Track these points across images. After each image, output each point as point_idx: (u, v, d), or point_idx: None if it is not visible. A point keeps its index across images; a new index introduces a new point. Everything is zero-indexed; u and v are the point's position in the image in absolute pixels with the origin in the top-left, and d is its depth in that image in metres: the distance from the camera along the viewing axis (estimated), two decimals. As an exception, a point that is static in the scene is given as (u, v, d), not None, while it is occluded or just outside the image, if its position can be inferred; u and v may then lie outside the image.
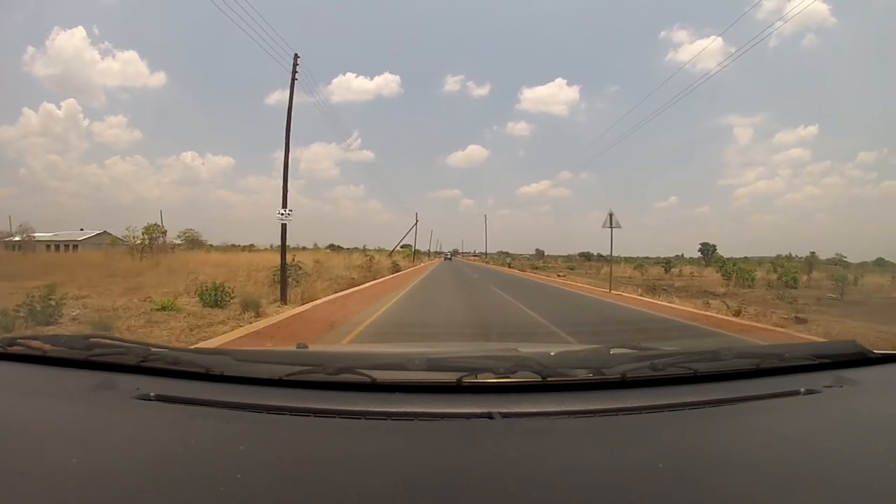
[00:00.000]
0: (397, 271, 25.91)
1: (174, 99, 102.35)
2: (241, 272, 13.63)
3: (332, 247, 46.79)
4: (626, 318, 9.30)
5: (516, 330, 7.22)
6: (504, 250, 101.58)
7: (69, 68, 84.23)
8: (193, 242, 29.62)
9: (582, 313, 10.32)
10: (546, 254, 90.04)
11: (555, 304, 11.86)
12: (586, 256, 76.23)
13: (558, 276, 28.90)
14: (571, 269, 39.60)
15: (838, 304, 14.12)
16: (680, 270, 33.06)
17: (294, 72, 11.33)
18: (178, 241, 29.46)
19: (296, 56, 11.51)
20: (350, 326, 7.11)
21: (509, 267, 45.99)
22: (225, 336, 5.66)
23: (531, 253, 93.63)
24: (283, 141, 11.15)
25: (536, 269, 41.72)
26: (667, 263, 34.91)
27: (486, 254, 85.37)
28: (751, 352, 1.50)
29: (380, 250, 46.41)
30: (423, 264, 47.79)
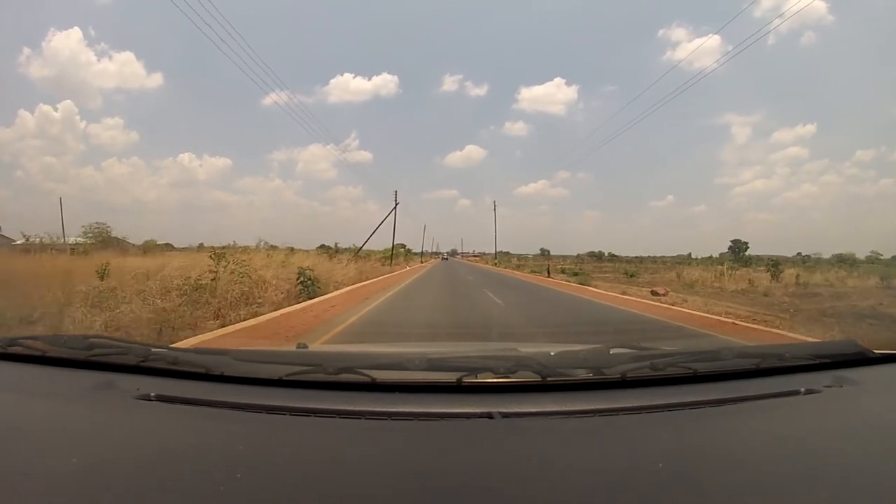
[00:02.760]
0: (307, 299, 9.80)
1: (171, 100, 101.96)
2: None
3: (322, 247, 37.73)
4: None
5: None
6: (504, 250, 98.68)
7: (65, 70, 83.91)
8: (105, 242, 20.38)
9: None
10: (549, 253, 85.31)
11: None
12: (597, 256, 72.26)
13: (653, 293, 14.28)
14: (632, 277, 26.46)
15: None
16: (798, 276, 21.00)
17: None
18: (83, 240, 21.48)
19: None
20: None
21: (545, 274, 29.00)
22: None
23: (534, 253, 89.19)
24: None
25: (576, 275, 27.02)
26: (774, 267, 22.44)
27: (495, 254, 67.32)
28: (751, 352, 1.49)
29: (347, 249, 34.41)
30: (406, 268, 34.66)
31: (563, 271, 31.53)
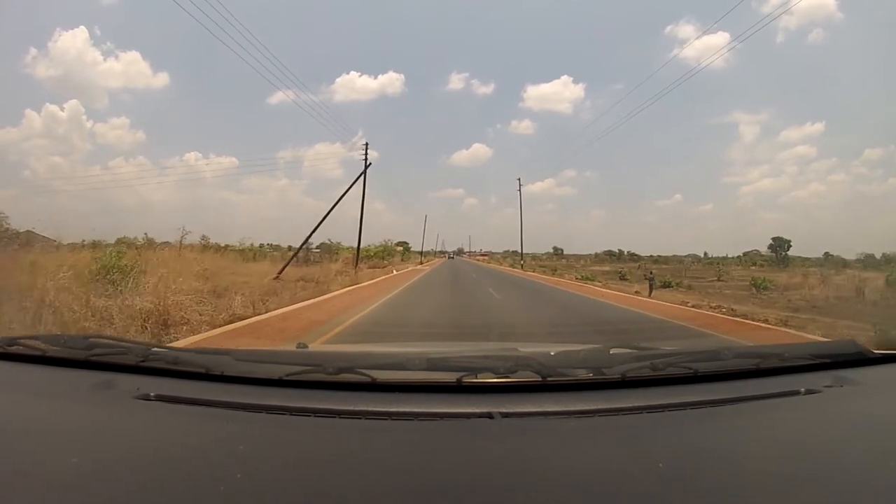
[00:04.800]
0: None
1: (177, 99, 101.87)
2: None
3: (321, 245, 30.27)
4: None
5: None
6: (512, 249, 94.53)
7: (71, 69, 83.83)
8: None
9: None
10: (563, 252, 79.58)
11: None
12: (616, 255, 67.46)
13: None
14: (763, 290, 17.82)
15: None
16: None
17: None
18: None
19: None
20: None
21: (645, 289, 16.35)
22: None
23: (543, 251, 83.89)
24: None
25: (668, 286, 18.95)
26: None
27: (521, 253, 47.41)
28: (751, 352, 1.50)
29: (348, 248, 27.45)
30: (390, 274, 22.98)
31: (666, 281, 20.16)
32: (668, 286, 18.76)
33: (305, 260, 24.61)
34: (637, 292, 15.78)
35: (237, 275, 12.66)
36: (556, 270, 33.81)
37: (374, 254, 33.12)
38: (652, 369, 1.15)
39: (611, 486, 0.74)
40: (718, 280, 24.21)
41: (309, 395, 1.05)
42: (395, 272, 25.42)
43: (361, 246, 25.97)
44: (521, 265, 41.11)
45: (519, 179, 45.20)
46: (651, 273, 18.97)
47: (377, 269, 26.29)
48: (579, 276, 25.83)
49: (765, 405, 1.09)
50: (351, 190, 20.24)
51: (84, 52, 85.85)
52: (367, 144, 22.58)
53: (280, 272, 14.47)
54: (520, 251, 48.06)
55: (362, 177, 21.65)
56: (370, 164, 22.14)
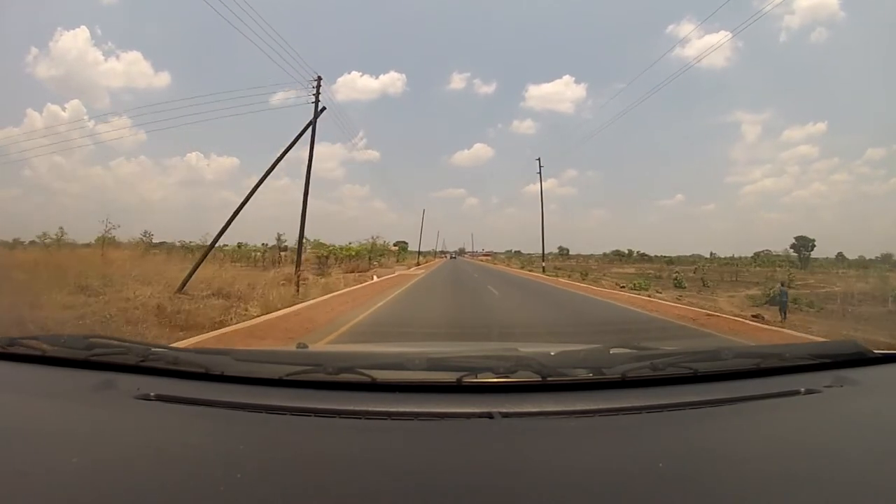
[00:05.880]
0: None
1: (179, 99, 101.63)
2: None
3: (318, 245, 27.58)
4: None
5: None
6: (517, 249, 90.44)
7: (73, 69, 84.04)
8: None
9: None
10: (568, 252, 76.20)
11: None
12: (625, 256, 64.84)
13: None
14: None
15: None
16: None
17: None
18: None
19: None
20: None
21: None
22: None
23: (549, 252, 79.59)
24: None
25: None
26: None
27: (542, 255, 36.24)
28: (751, 352, 1.50)
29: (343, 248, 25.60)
30: (341, 291, 12.14)
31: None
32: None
33: (275, 261, 22.77)
34: (755, 316, 9.55)
35: (145, 284, 9.83)
36: (586, 275, 25.76)
37: (356, 254, 25.79)
38: (652, 369, 1.15)
39: (611, 486, 0.74)
40: (788, 287, 19.78)
41: (309, 395, 1.05)
42: (375, 279, 19.04)
43: (343, 244, 20.72)
44: (543, 268, 32.15)
45: (539, 160, 34.01)
46: (782, 286, 12.38)
47: (354, 275, 20.26)
48: (630, 285, 18.56)
49: (765, 405, 1.09)
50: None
51: (85, 52, 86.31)
52: (319, 79, 14.16)
53: (183, 285, 10.19)
54: (520, 252, 43.60)
55: (311, 128, 13.36)
56: (324, 108, 13.87)
